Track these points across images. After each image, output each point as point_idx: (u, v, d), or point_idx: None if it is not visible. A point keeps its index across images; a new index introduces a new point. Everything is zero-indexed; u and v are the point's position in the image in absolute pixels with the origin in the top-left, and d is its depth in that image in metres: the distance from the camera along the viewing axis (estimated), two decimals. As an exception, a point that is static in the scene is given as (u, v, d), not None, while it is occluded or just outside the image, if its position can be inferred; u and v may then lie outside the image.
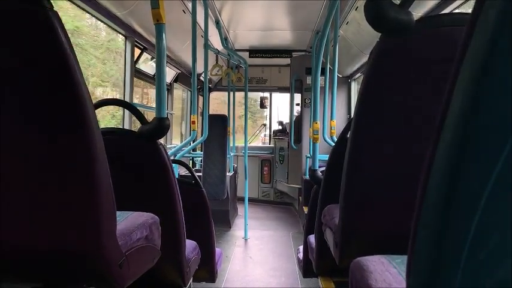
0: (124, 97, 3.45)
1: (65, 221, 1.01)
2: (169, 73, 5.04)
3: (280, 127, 7.14)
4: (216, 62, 4.86)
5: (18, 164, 0.95)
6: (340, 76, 5.49)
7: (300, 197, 5.58)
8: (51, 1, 0.87)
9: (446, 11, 2.49)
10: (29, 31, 0.87)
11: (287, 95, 6.46)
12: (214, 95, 7.52)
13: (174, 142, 5.48)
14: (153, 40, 1.76)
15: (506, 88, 0.32)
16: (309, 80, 5.56)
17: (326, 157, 2.10)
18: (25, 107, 0.92)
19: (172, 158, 2.60)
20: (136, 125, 1.76)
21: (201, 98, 5.88)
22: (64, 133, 0.94)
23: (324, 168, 2.05)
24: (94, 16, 2.88)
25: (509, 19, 0.31)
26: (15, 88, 0.90)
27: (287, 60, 6.09)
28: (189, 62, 4.48)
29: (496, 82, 0.32)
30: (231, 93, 5.89)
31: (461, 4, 2.40)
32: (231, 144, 5.92)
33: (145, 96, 5.36)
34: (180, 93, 6.02)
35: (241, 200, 5.33)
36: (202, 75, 4.20)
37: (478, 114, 0.34)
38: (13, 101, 0.91)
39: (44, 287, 1.16)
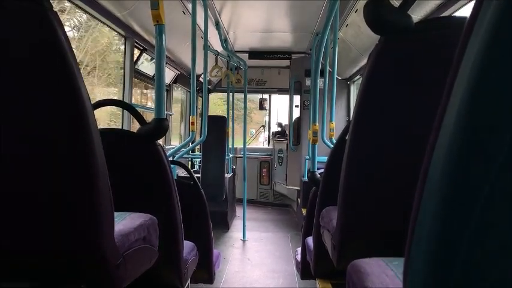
0: (123, 97, 3.45)
1: (62, 221, 1.00)
2: (169, 74, 5.03)
3: (279, 129, 7.14)
4: (216, 64, 4.85)
5: (15, 164, 0.95)
6: (340, 78, 5.49)
7: (299, 199, 5.58)
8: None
9: (446, 14, 2.50)
10: (28, 31, 0.87)
11: (286, 97, 6.47)
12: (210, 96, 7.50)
13: (172, 143, 5.47)
14: (153, 41, 1.76)
15: (503, 90, 0.32)
16: (308, 82, 5.56)
17: (325, 159, 2.10)
18: (23, 107, 0.92)
19: (171, 159, 2.60)
20: (135, 126, 1.76)
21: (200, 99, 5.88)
22: (62, 133, 0.94)
23: (322, 170, 2.05)
24: (94, 16, 2.88)
25: (507, 21, 0.31)
26: (13, 87, 0.90)
27: (287, 62, 6.09)
28: (189, 63, 4.48)
29: (493, 84, 0.32)
30: (231, 95, 5.90)
31: (461, 7, 2.40)
32: (230, 146, 5.92)
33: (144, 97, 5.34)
34: (179, 94, 6.01)
35: (240, 201, 5.32)
36: (202, 76, 4.19)
37: (475, 116, 0.34)
38: (10, 100, 0.91)
39: (41, 287, 1.16)
